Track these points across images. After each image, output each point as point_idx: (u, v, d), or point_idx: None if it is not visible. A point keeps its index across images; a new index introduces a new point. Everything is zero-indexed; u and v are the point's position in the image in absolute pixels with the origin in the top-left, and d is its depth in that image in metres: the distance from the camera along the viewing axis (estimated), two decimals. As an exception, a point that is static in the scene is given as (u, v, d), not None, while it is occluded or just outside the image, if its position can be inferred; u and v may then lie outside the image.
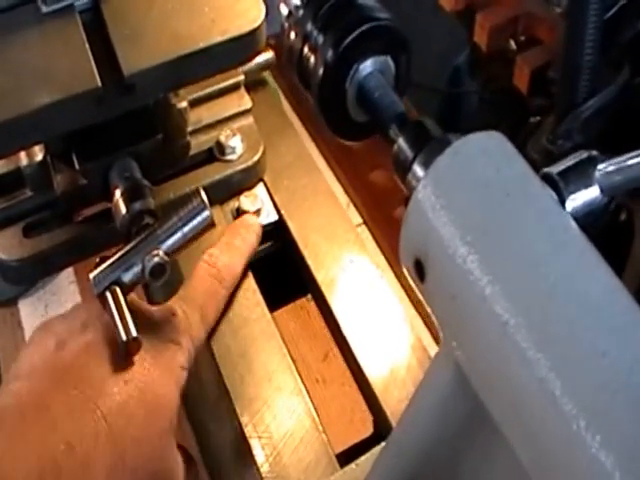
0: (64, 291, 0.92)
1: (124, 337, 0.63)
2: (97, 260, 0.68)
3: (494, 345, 0.41)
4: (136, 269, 0.67)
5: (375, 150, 0.86)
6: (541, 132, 0.83)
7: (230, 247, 0.80)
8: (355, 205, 0.97)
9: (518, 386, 0.39)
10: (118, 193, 0.72)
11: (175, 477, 0.68)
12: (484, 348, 0.42)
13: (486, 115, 1.12)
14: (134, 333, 0.63)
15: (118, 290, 0.66)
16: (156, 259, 0.67)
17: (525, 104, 0.95)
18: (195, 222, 0.69)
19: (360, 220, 0.95)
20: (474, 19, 0.95)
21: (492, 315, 0.40)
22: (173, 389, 0.68)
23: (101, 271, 0.67)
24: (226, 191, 0.87)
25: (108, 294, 0.66)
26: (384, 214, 0.93)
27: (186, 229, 0.68)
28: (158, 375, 0.67)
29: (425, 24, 1.25)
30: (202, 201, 0.69)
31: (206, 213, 0.69)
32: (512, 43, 0.97)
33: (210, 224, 0.70)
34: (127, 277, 0.67)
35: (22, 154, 0.76)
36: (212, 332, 0.78)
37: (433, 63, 1.32)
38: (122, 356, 0.65)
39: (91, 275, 0.67)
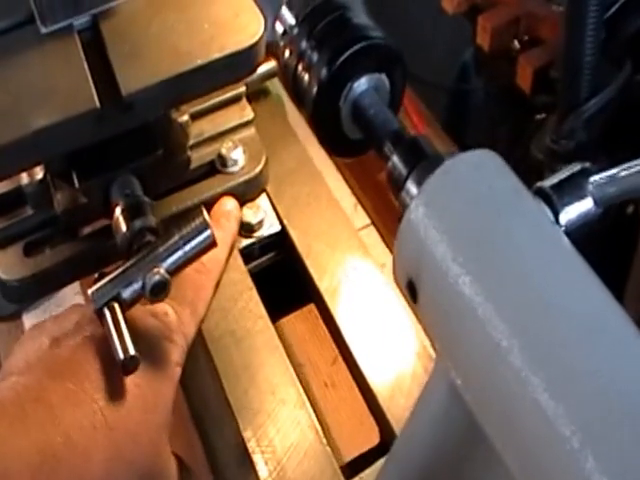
0: (69, 303, 0.91)
1: (121, 355, 0.62)
2: (96, 276, 0.68)
3: (487, 365, 0.41)
4: (136, 286, 0.67)
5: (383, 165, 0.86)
6: (544, 132, 0.84)
7: None
8: (363, 206, 0.97)
9: (511, 406, 0.39)
10: (118, 211, 0.72)
11: (169, 473, 0.69)
12: (477, 368, 0.42)
13: (492, 111, 1.12)
14: (132, 352, 0.62)
15: (117, 307, 0.66)
16: (157, 277, 0.66)
17: (529, 101, 0.95)
18: (197, 241, 0.69)
19: (368, 221, 0.95)
20: (477, 20, 0.95)
21: (485, 335, 0.40)
22: (168, 385, 0.68)
23: (100, 287, 0.67)
24: (229, 203, 0.86)
25: (106, 311, 0.65)
26: (392, 215, 0.93)
27: (187, 248, 0.68)
28: (153, 372, 0.67)
29: (432, 21, 1.25)
30: (204, 220, 0.69)
31: (208, 232, 0.69)
32: (516, 42, 0.97)
33: (212, 243, 0.70)
34: (127, 293, 0.67)
35: (23, 173, 0.77)
36: (215, 344, 0.79)
37: (441, 60, 1.32)
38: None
39: (90, 291, 0.67)
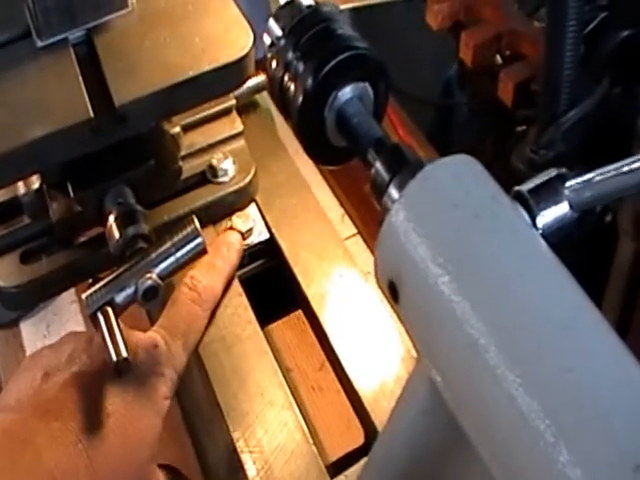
0: (65, 311, 0.93)
1: (114, 358, 0.64)
2: (90, 281, 0.70)
3: (465, 363, 0.41)
4: (129, 291, 0.68)
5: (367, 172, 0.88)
6: (525, 142, 0.85)
7: (211, 269, 0.81)
8: (350, 216, 0.99)
9: (488, 403, 0.40)
10: (112, 219, 0.73)
11: None
12: (456, 365, 0.42)
13: (475, 125, 1.13)
14: (124, 354, 0.64)
15: (110, 311, 0.67)
16: (149, 282, 0.68)
17: (511, 115, 0.96)
18: (188, 248, 0.70)
19: (354, 230, 0.97)
20: (460, 36, 0.97)
21: (463, 334, 0.41)
22: (155, 421, 0.69)
23: (94, 292, 0.68)
24: (219, 212, 0.88)
25: (100, 315, 0.67)
26: (377, 225, 0.95)
27: (179, 254, 0.70)
28: (140, 408, 0.68)
29: (417, 38, 1.26)
30: (195, 228, 0.71)
31: (199, 240, 0.70)
32: (498, 58, 0.98)
33: (202, 251, 0.71)
34: (120, 298, 0.68)
35: (20, 183, 0.78)
36: (205, 350, 0.80)
37: (425, 76, 1.33)
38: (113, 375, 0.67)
39: (84, 295, 0.68)
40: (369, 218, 0.97)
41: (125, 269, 0.70)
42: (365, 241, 0.96)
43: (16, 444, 0.63)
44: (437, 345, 0.44)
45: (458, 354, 0.42)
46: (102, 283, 0.69)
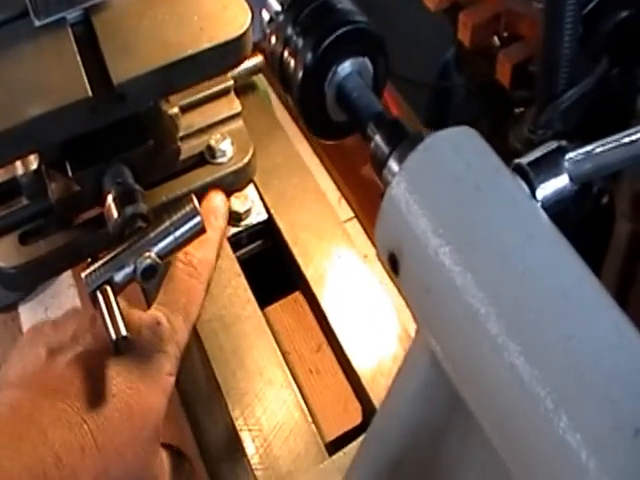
0: (64, 295, 0.93)
1: (114, 336, 0.64)
2: (89, 260, 0.70)
3: (466, 333, 0.41)
4: (128, 270, 0.68)
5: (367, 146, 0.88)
6: (523, 122, 0.85)
7: (203, 241, 0.80)
8: (347, 200, 0.99)
9: (489, 373, 0.40)
10: (110, 198, 0.73)
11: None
12: (456, 337, 0.43)
13: (473, 107, 1.13)
14: (124, 332, 0.64)
15: (109, 290, 0.67)
16: (148, 261, 0.68)
17: (509, 97, 0.96)
18: (186, 227, 0.70)
19: (352, 214, 0.97)
20: (458, 17, 0.97)
21: (463, 304, 0.41)
22: (160, 398, 0.69)
23: (93, 270, 0.68)
24: (218, 193, 0.88)
25: (99, 293, 0.67)
26: (375, 208, 0.95)
27: (178, 233, 0.70)
28: (145, 387, 0.68)
29: (414, 22, 1.26)
30: (194, 208, 0.70)
31: (197, 219, 0.70)
32: (496, 39, 0.98)
33: (201, 230, 0.71)
34: (119, 277, 0.68)
35: (18, 164, 0.78)
36: (204, 329, 0.80)
37: (422, 58, 1.33)
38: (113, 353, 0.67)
39: (83, 274, 0.68)
40: (366, 202, 0.97)
41: (124, 248, 0.69)
42: (362, 224, 0.96)
43: (22, 422, 0.63)
44: (438, 316, 0.44)
45: (459, 324, 0.42)
46: (101, 262, 0.69)
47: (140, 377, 0.68)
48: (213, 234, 0.82)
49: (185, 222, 0.70)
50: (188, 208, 0.71)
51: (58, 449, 0.62)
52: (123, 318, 0.65)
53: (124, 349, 0.65)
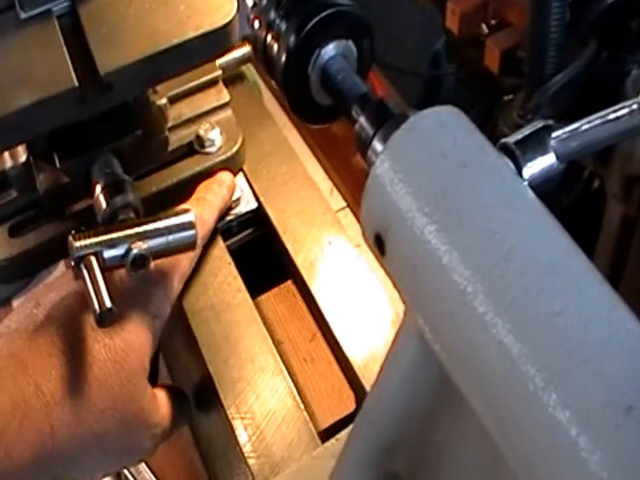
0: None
1: (97, 308, 0.63)
2: (82, 228, 0.68)
3: (454, 312, 0.41)
4: (119, 251, 0.67)
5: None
6: (512, 108, 0.85)
7: (201, 201, 0.81)
8: (339, 189, 0.99)
9: (477, 350, 0.40)
10: (99, 189, 0.73)
11: (150, 417, 0.70)
12: (444, 315, 0.42)
13: (463, 96, 1.14)
14: (108, 304, 0.63)
15: (94, 260, 0.66)
16: (142, 250, 0.67)
17: (498, 84, 0.96)
18: (181, 235, 0.70)
19: (344, 204, 0.97)
20: (446, 6, 0.97)
21: (451, 283, 0.41)
22: (144, 333, 0.70)
23: (83, 237, 0.67)
24: (207, 183, 0.87)
25: (82, 265, 0.66)
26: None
27: (171, 238, 0.69)
28: (126, 322, 0.69)
29: (405, 13, 1.26)
30: (192, 222, 0.71)
31: (192, 232, 0.70)
32: (484, 27, 0.98)
33: (193, 243, 0.71)
34: (108, 254, 0.67)
35: (6, 156, 0.78)
36: (195, 317, 0.80)
37: (412, 48, 1.34)
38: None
39: (70, 237, 0.66)
40: (358, 191, 0.96)
41: (119, 227, 0.69)
42: (354, 214, 0.96)
43: (4, 359, 0.66)
44: (425, 295, 0.44)
45: (446, 303, 0.42)
46: (93, 232, 0.67)
47: (123, 314, 0.69)
48: (214, 199, 0.83)
49: (180, 230, 0.70)
50: (186, 219, 0.70)
51: (38, 378, 0.64)
52: (108, 289, 0.64)
53: (109, 320, 0.64)
